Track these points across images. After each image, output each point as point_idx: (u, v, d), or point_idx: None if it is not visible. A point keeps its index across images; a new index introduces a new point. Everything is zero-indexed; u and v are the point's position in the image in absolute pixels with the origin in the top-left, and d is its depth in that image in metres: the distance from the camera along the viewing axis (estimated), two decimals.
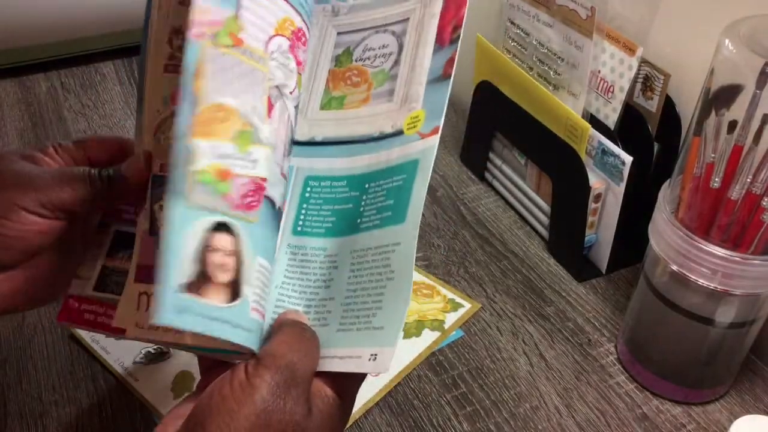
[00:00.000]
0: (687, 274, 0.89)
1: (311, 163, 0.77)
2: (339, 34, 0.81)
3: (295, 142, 0.78)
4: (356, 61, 0.80)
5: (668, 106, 1.09)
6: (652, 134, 1.11)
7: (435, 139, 0.71)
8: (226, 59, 0.66)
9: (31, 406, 0.95)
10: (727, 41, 0.83)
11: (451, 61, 0.73)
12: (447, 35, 0.75)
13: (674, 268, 0.90)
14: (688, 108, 1.07)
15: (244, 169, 0.67)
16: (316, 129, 0.78)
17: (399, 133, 0.74)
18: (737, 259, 0.85)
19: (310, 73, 0.81)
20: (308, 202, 0.76)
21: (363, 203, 0.73)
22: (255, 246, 0.66)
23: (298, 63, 0.75)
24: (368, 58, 0.79)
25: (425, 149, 0.71)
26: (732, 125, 0.85)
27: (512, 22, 1.23)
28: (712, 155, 0.87)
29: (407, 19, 0.78)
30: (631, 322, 1.04)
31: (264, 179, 0.69)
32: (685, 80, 1.08)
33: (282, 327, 0.67)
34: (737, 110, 0.85)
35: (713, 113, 0.87)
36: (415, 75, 0.75)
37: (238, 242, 0.65)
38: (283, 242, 0.74)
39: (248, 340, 0.64)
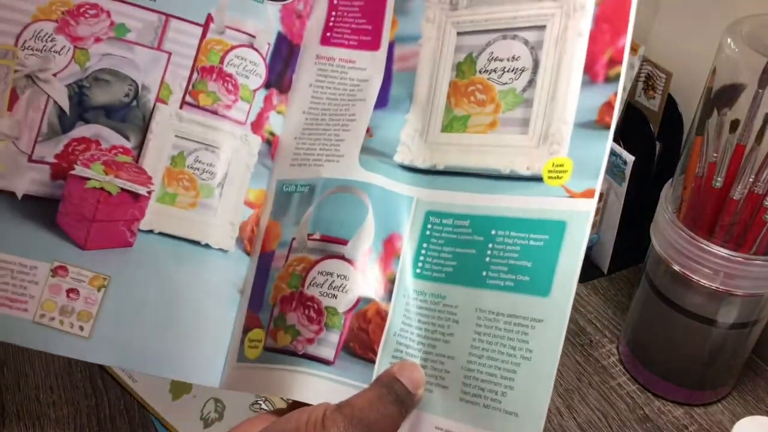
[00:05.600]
0: (689, 274, 0.89)
1: (432, 196, 0.72)
2: (459, 34, 0.74)
3: (415, 170, 0.73)
4: (480, 72, 0.72)
5: (670, 105, 1.09)
6: (654, 133, 1.11)
7: (589, 205, 0.64)
8: None
9: (29, 407, 0.95)
10: (729, 40, 0.82)
11: (608, 107, 0.66)
12: (601, 68, 0.67)
13: (676, 268, 0.90)
14: (690, 107, 1.07)
15: None
16: (438, 156, 0.72)
17: (537, 179, 0.67)
18: (739, 259, 0.85)
19: (430, 84, 0.75)
20: (429, 240, 0.70)
21: (489, 253, 0.67)
22: None
23: (76, 39, 0.74)
24: (494, 71, 0.71)
25: (575, 213, 0.64)
26: (734, 125, 0.85)
27: None
28: (714, 155, 0.86)
29: (543, 27, 0.70)
30: (633, 322, 1.04)
31: None
32: (687, 79, 1.07)
33: (376, 384, 0.66)
34: (739, 110, 0.84)
35: (715, 112, 0.86)
36: (556, 108, 0.68)
37: None
38: (401, 285, 0.70)
39: None
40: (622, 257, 1.19)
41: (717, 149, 0.86)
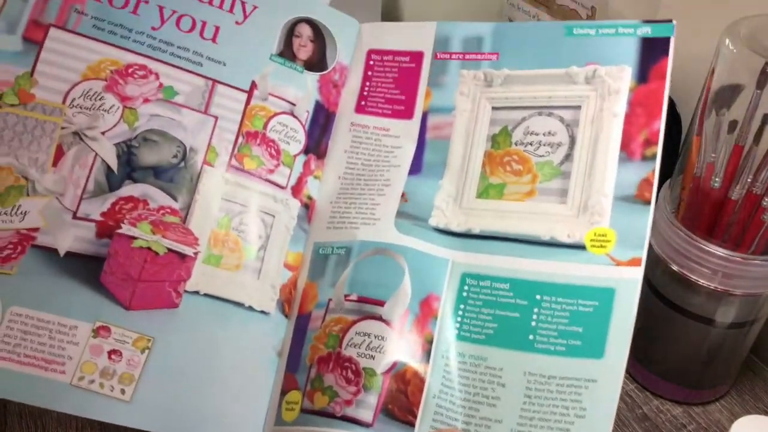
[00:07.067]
0: (687, 274, 0.89)
1: (468, 258, 0.73)
2: (494, 109, 0.78)
3: (450, 233, 0.75)
4: (516, 144, 0.76)
5: (668, 105, 1.09)
6: None
7: (637, 273, 0.67)
8: (8, 118, 0.70)
9: (30, 406, 0.94)
10: (727, 41, 0.82)
11: (647, 183, 0.70)
12: (637, 147, 0.71)
13: (675, 268, 0.91)
14: (688, 108, 1.07)
15: (5, 223, 0.69)
16: (473, 220, 0.75)
17: (579, 247, 0.70)
18: (738, 259, 0.85)
19: (464, 153, 0.78)
20: (466, 302, 0.72)
21: (535, 317, 0.69)
22: (12, 297, 0.68)
23: (125, 98, 0.75)
24: (530, 144, 0.75)
25: (623, 281, 0.68)
26: (732, 125, 0.85)
27: (513, 22, 1.22)
28: (713, 155, 0.87)
29: (579, 107, 0.74)
30: None
31: (35, 229, 0.70)
32: (686, 80, 1.08)
33: None
34: (737, 110, 0.85)
35: (714, 113, 0.87)
36: (594, 181, 0.72)
37: None
38: (439, 346, 0.71)
39: None
40: None
41: (715, 150, 0.87)
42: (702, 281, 0.88)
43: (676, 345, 0.98)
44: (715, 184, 0.86)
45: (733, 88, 0.84)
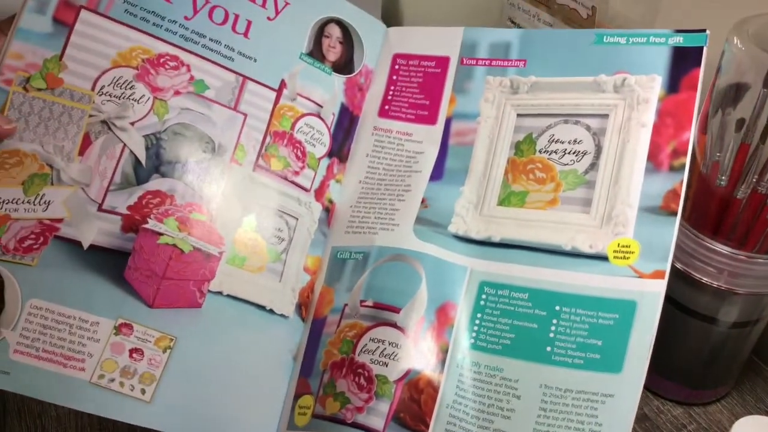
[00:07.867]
0: (692, 272, 0.88)
1: (487, 267, 0.73)
2: (519, 116, 0.77)
3: (470, 240, 0.75)
4: (540, 152, 0.75)
5: None
6: None
7: (660, 286, 0.67)
8: (35, 103, 0.68)
9: (29, 405, 0.93)
10: (735, 39, 0.82)
11: (674, 194, 0.69)
12: (665, 158, 0.70)
13: (679, 266, 0.90)
14: None
15: (28, 212, 0.68)
16: (494, 228, 0.74)
17: (601, 257, 0.69)
18: (742, 257, 0.85)
19: (487, 160, 0.77)
20: (483, 311, 0.71)
21: (553, 329, 0.68)
22: (32, 289, 0.67)
23: (156, 89, 0.73)
24: (555, 152, 0.74)
25: (645, 293, 0.67)
26: (740, 123, 0.85)
27: (513, 22, 1.22)
28: (718, 154, 0.87)
29: (606, 115, 0.73)
30: None
31: (59, 220, 0.69)
32: None
33: None
34: (744, 109, 0.84)
35: (719, 112, 0.87)
36: (620, 191, 0.71)
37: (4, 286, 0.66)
38: (455, 355, 0.70)
39: None
40: None
41: (721, 148, 0.87)
42: (707, 280, 0.88)
43: (678, 344, 0.98)
44: (721, 183, 0.85)
45: (739, 86, 0.84)
